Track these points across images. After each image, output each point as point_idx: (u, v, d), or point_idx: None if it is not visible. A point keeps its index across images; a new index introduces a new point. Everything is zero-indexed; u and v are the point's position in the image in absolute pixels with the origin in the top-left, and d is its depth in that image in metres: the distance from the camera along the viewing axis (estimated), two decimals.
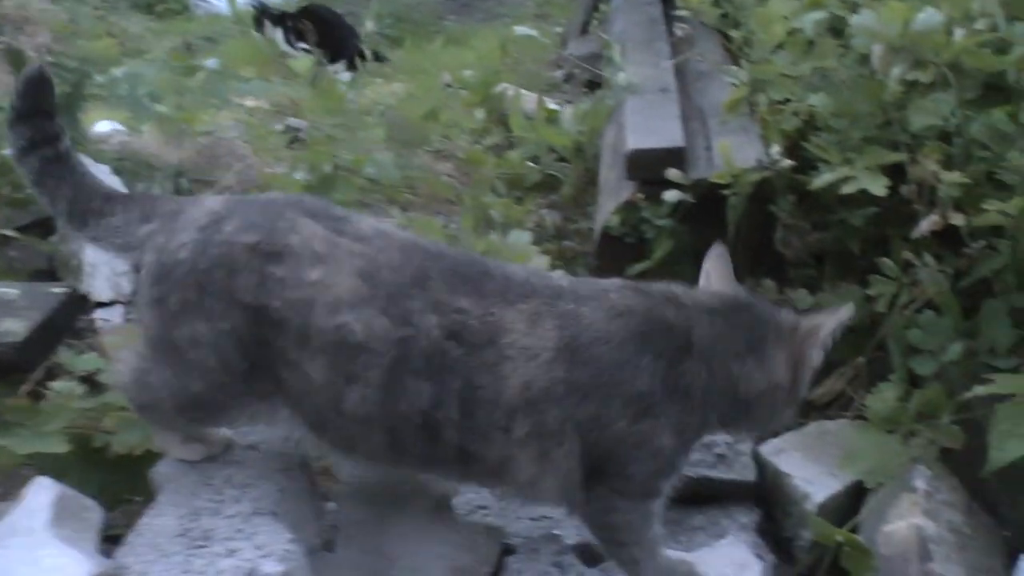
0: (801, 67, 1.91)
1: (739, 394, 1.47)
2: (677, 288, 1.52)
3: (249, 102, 2.60)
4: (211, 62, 2.72)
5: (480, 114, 3.41)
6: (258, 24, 5.86)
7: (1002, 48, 1.73)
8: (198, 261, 1.40)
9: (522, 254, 2.09)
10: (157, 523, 1.39)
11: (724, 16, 2.79)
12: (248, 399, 1.45)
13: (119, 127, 3.22)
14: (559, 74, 4.66)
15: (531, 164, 2.81)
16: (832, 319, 1.50)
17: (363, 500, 1.62)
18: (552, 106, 2.81)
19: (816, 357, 1.51)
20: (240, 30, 4.94)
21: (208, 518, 1.39)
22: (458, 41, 5.34)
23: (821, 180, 1.84)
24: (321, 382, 1.38)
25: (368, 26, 4.57)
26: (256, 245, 1.39)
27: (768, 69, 1.89)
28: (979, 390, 1.65)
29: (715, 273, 1.59)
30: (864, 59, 1.81)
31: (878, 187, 1.78)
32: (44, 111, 1.52)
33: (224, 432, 1.61)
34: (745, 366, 1.46)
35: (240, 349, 1.40)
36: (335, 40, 5.68)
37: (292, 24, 5.81)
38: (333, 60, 5.27)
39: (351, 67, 5.13)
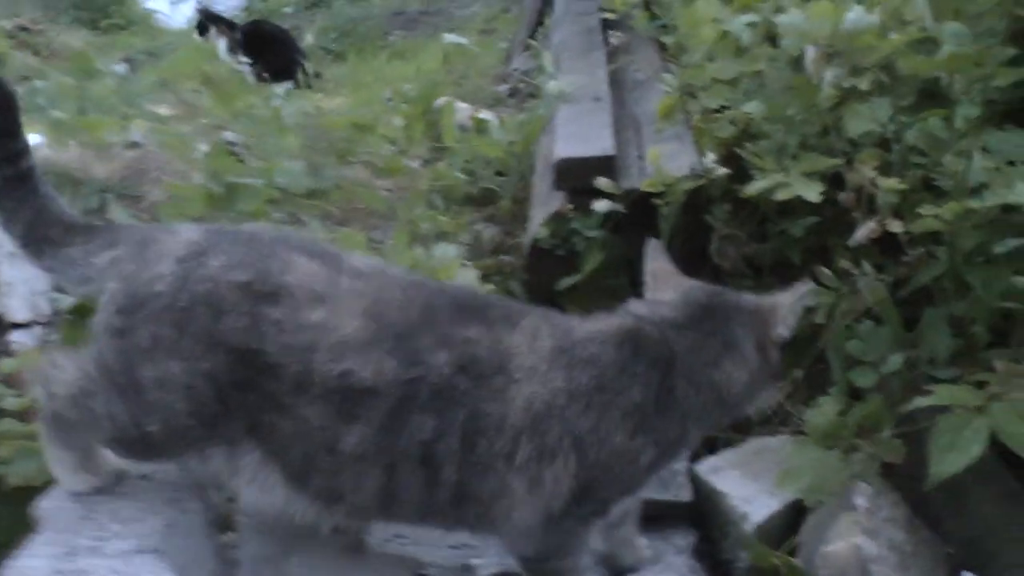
0: (730, 70, 1.84)
1: (724, 399, 1.45)
2: (639, 306, 1.48)
3: (163, 110, 2.49)
4: (119, 67, 2.60)
5: (418, 127, 3.32)
6: (201, 30, 5.80)
7: (933, 51, 1.69)
8: (178, 297, 1.29)
9: (447, 268, 2.00)
10: (28, 565, 1.26)
11: (664, 27, 2.74)
12: (208, 444, 1.33)
13: (43, 141, 3.09)
14: (504, 89, 4.61)
15: (461, 175, 2.73)
16: (791, 295, 1.50)
17: (268, 532, 1.51)
18: (482, 116, 2.73)
19: (781, 334, 1.50)
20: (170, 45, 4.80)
21: (85, 558, 1.27)
22: (403, 56, 5.26)
23: (755, 187, 1.77)
24: (317, 425, 1.28)
25: (308, 39, 4.49)
26: (248, 284, 1.29)
27: (698, 74, 1.82)
28: (919, 402, 1.59)
29: (660, 273, 1.54)
30: (796, 62, 1.75)
31: (812, 193, 1.72)
32: (4, 128, 1.42)
33: (115, 462, 1.49)
34: (723, 370, 1.44)
35: (216, 393, 1.29)
36: (281, 57, 5.63)
37: (237, 36, 5.76)
38: (279, 77, 5.20)
39: (296, 83, 5.07)
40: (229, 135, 3.41)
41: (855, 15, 1.48)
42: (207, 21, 5.87)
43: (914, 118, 1.87)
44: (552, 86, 2.22)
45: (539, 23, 4.74)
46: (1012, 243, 1.70)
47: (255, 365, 1.27)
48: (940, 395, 1.59)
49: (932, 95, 1.87)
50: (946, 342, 1.76)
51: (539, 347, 1.35)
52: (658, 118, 2.12)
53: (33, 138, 3.10)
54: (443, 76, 4.36)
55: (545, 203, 2.13)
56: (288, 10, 7.50)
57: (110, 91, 2.28)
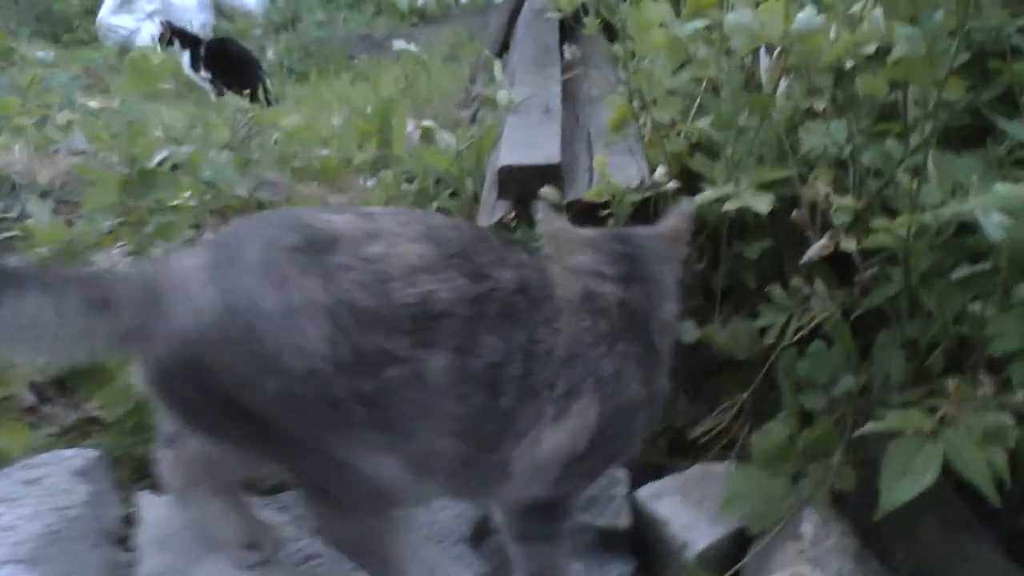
0: (681, 81, 1.78)
1: (672, 334, 1.50)
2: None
3: (93, 103, 2.36)
4: (43, 54, 2.49)
5: (372, 143, 3.24)
6: (164, 42, 5.76)
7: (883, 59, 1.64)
8: (234, 303, 1.12)
9: None
10: None
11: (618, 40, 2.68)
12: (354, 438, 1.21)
13: None
14: (466, 114, 4.55)
15: (409, 186, 2.64)
16: (683, 218, 1.56)
17: (167, 547, 1.39)
18: (426, 123, 2.64)
19: (686, 253, 1.58)
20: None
21: None
22: (366, 78, 5.19)
23: (703, 197, 1.70)
24: (406, 360, 1.18)
25: (269, 56, 4.41)
26: (306, 244, 1.17)
27: (646, 79, 1.75)
28: (870, 427, 1.51)
29: (560, 233, 1.50)
30: (746, 64, 1.69)
31: (763, 205, 1.65)
32: None
33: None
34: (667, 310, 1.48)
35: (320, 383, 1.15)
36: (243, 75, 5.59)
37: (201, 51, 5.73)
38: (238, 91, 5.15)
39: (253, 98, 5.02)
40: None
41: (806, 15, 1.41)
42: (171, 35, 5.82)
43: (870, 139, 1.83)
44: (502, 95, 2.15)
45: (505, 47, 4.70)
46: (966, 270, 1.66)
47: (339, 320, 1.14)
48: (891, 420, 1.51)
49: (890, 119, 1.82)
50: (900, 365, 1.69)
51: (572, 286, 1.35)
52: (609, 130, 2.05)
53: None
54: (404, 98, 4.29)
55: (490, 213, 2.05)
56: (256, 31, 7.44)
57: (34, 79, 2.16)
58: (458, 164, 2.67)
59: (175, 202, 1.71)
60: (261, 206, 3.19)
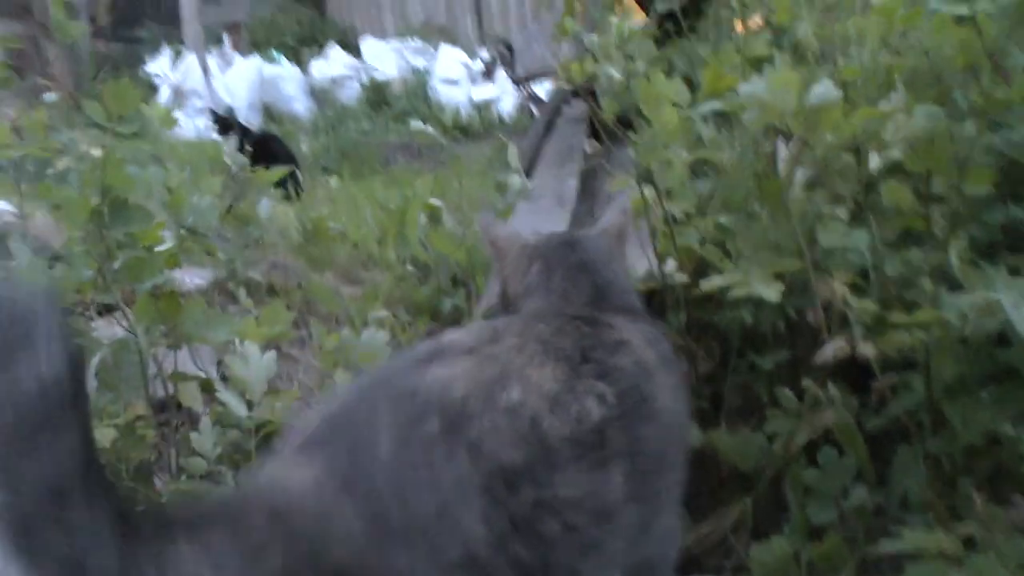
0: (699, 187, 1.73)
1: None
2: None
3: (96, 151, 2.31)
4: (50, 96, 2.50)
5: (391, 235, 3.21)
6: (222, 128, 6.06)
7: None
8: (385, 518, 0.95)
9: (374, 353, 1.81)
10: None
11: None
12: None
13: (7, 207, 2.97)
14: None
15: (412, 269, 2.58)
16: (618, 211, 1.56)
17: None
18: (433, 202, 2.57)
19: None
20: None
21: None
22: (398, 182, 5.23)
23: (710, 283, 1.60)
24: (583, 496, 1.05)
25: (303, 148, 4.48)
26: (440, 430, 0.99)
27: (654, 160, 1.68)
28: (885, 545, 1.36)
29: (502, 241, 1.49)
30: (758, 143, 1.62)
31: (772, 293, 1.53)
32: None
33: None
34: (633, 296, 1.49)
35: (481, 561, 0.98)
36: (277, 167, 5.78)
37: (246, 144, 5.95)
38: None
39: (285, 190, 5.12)
40: None
41: (822, 88, 1.33)
42: (229, 121, 6.12)
43: (893, 247, 1.75)
44: (514, 181, 2.08)
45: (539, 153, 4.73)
46: (996, 389, 1.53)
47: (495, 492, 0.99)
48: (910, 539, 1.37)
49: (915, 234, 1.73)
50: (921, 484, 1.55)
51: (639, 340, 1.27)
52: None
53: None
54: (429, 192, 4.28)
55: (489, 296, 1.96)
56: (302, 135, 7.63)
57: (39, 122, 2.14)
58: (469, 258, 2.61)
59: (154, 245, 1.63)
60: (272, 290, 3.15)
